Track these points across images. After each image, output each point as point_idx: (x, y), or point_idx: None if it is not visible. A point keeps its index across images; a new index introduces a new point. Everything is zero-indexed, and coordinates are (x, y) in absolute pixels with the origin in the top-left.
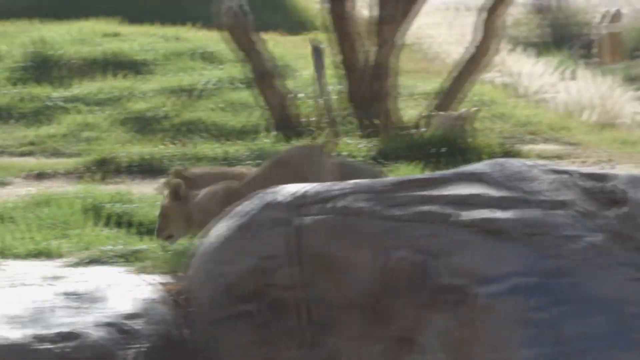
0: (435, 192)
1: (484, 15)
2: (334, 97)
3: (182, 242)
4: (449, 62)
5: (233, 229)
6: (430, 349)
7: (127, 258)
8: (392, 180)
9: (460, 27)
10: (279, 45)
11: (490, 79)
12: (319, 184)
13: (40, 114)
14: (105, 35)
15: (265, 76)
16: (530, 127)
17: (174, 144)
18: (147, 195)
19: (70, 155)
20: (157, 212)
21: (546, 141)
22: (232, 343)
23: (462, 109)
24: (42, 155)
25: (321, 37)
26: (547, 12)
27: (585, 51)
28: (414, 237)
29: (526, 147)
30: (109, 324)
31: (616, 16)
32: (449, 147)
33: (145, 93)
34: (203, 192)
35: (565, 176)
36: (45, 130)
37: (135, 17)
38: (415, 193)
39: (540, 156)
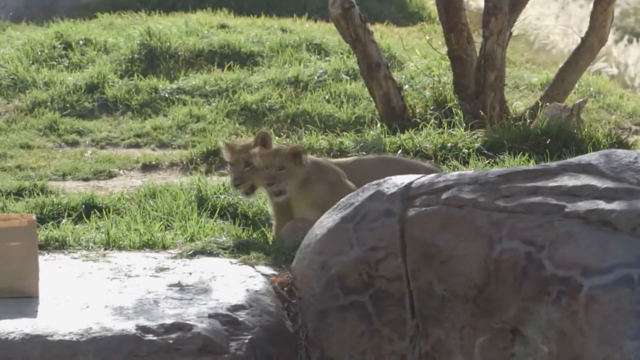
0: (541, 184)
1: (593, 6)
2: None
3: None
4: (554, 54)
5: (338, 220)
6: (534, 340)
7: (232, 250)
8: (498, 172)
9: (567, 18)
10: (386, 37)
11: (597, 69)
12: (423, 175)
13: (146, 106)
14: (212, 27)
15: (371, 68)
16: (637, 118)
17: (279, 135)
18: None
19: (176, 147)
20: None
21: None
22: (341, 334)
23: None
24: (147, 147)
25: (428, 28)
26: None
27: None
28: (519, 228)
29: (633, 139)
30: (213, 316)
31: None
32: (556, 139)
33: (252, 85)
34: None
35: None
36: (151, 122)
37: (242, 9)
38: (521, 184)
39: None
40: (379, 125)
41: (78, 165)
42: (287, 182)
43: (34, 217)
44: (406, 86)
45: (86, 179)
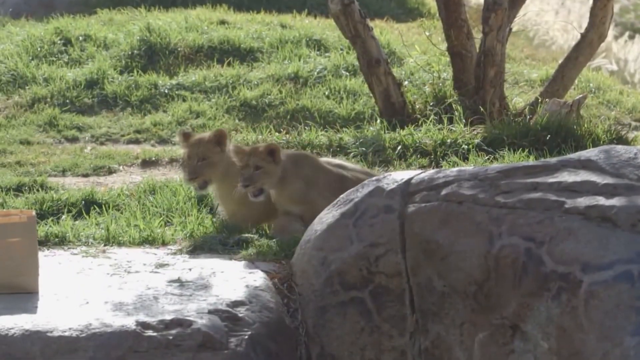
0: (541, 180)
1: (592, 2)
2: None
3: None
4: (554, 50)
5: (338, 216)
6: (533, 336)
7: (231, 245)
8: (497, 168)
9: (567, 14)
10: (386, 33)
11: (597, 66)
12: (423, 171)
13: (146, 102)
14: (212, 23)
15: (371, 64)
16: (637, 114)
17: (279, 131)
18: None
19: (175, 143)
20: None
21: None
22: (341, 330)
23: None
24: (147, 143)
25: (428, 24)
26: None
27: None
28: (519, 224)
29: (633, 134)
30: (212, 312)
31: None
32: (556, 135)
33: (252, 81)
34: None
35: None
36: (151, 118)
37: (242, 4)
38: (520, 180)
39: None
40: (378, 121)
41: (78, 161)
42: (263, 181)
43: (33, 213)
44: (406, 82)
45: (86, 175)
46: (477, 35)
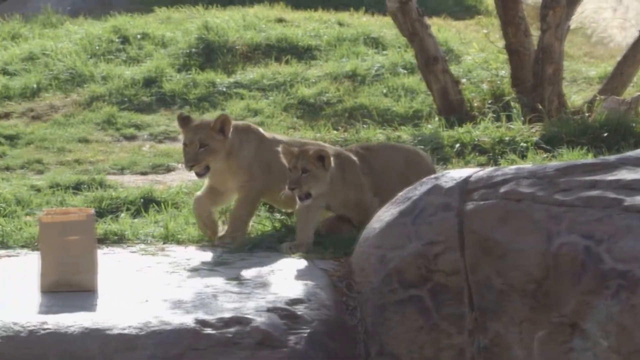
0: (600, 178)
1: None
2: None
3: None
4: (612, 47)
5: (396, 214)
6: (593, 335)
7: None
8: (556, 166)
9: (625, 12)
10: (444, 31)
11: None
12: (481, 169)
13: (204, 100)
14: (269, 21)
15: (428, 61)
16: None
17: (337, 129)
18: None
19: None
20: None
21: None
22: (400, 328)
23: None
24: None
25: (485, 22)
26: None
27: None
28: (578, 222)
29: None
30: (271, 310)
31: None
32: (614, 132)
33: (309, 79)
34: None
35: None
36: (208, 116)
37: (299, 2)
38: (579, 178)
39: None
40: (436, 118)
41: (136, 159)
42: (310, 185)
43: (92, 211)
44: (463, 80)
45: (144, 173)
46: (535, 33)
